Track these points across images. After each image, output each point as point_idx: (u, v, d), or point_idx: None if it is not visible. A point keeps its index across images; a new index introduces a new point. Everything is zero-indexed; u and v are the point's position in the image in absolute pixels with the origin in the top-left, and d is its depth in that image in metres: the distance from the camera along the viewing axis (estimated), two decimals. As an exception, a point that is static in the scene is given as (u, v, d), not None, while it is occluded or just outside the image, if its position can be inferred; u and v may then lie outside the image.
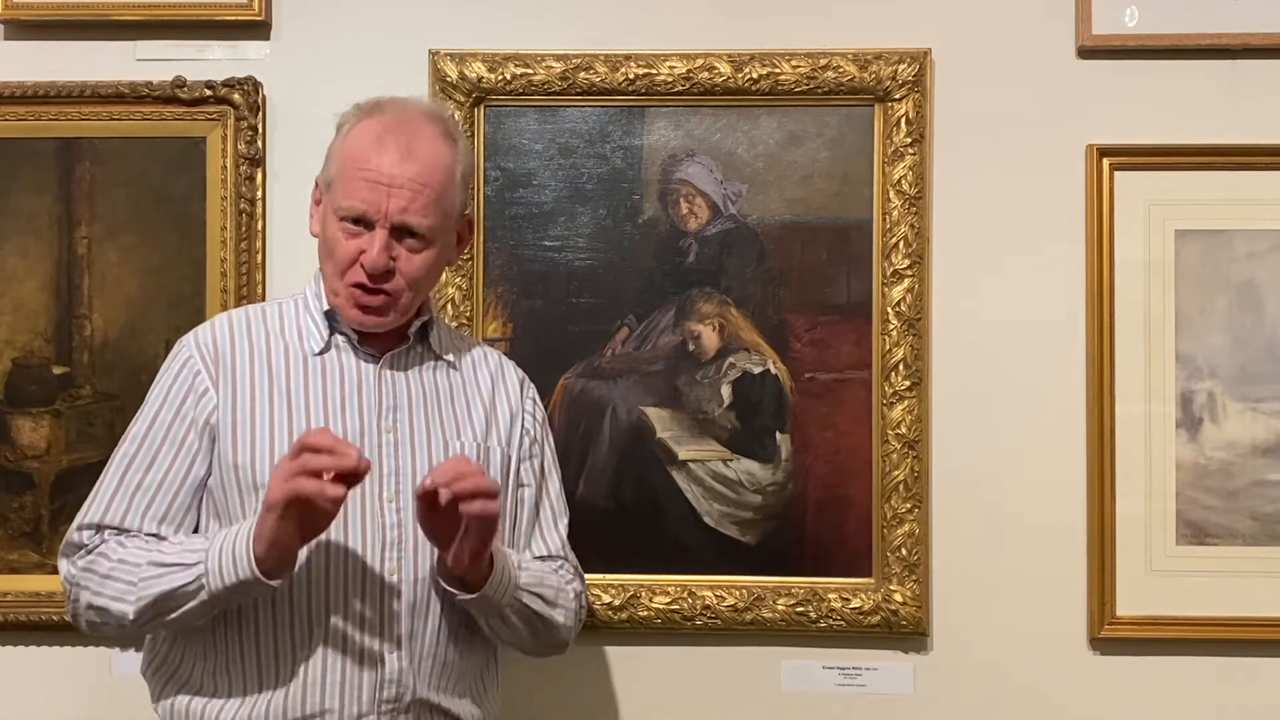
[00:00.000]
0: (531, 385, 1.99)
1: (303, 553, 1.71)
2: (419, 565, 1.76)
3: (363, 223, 1.76)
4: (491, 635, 1.83)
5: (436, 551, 1.73)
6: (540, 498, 1.94)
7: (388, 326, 1.83)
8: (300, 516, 1.62)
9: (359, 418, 1.80)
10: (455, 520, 1.67)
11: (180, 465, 1.77)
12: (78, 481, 2.29)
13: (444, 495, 1.64)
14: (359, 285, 1.77)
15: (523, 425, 1.93)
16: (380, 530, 1.76)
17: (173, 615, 1.69)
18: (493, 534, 1.70)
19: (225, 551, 1.66)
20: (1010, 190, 2.30)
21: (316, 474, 1.60)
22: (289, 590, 1.72)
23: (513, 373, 1.97)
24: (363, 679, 1.74)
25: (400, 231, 1.77)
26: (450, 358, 1.90)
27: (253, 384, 1.79)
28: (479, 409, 1.89)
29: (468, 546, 1.68)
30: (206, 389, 1.78)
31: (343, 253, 1.77)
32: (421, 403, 1.84)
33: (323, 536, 1.71)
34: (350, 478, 1.62)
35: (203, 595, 1.67)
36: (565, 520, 1.97)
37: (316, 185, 1.86)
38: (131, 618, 1.70)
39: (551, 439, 2.01)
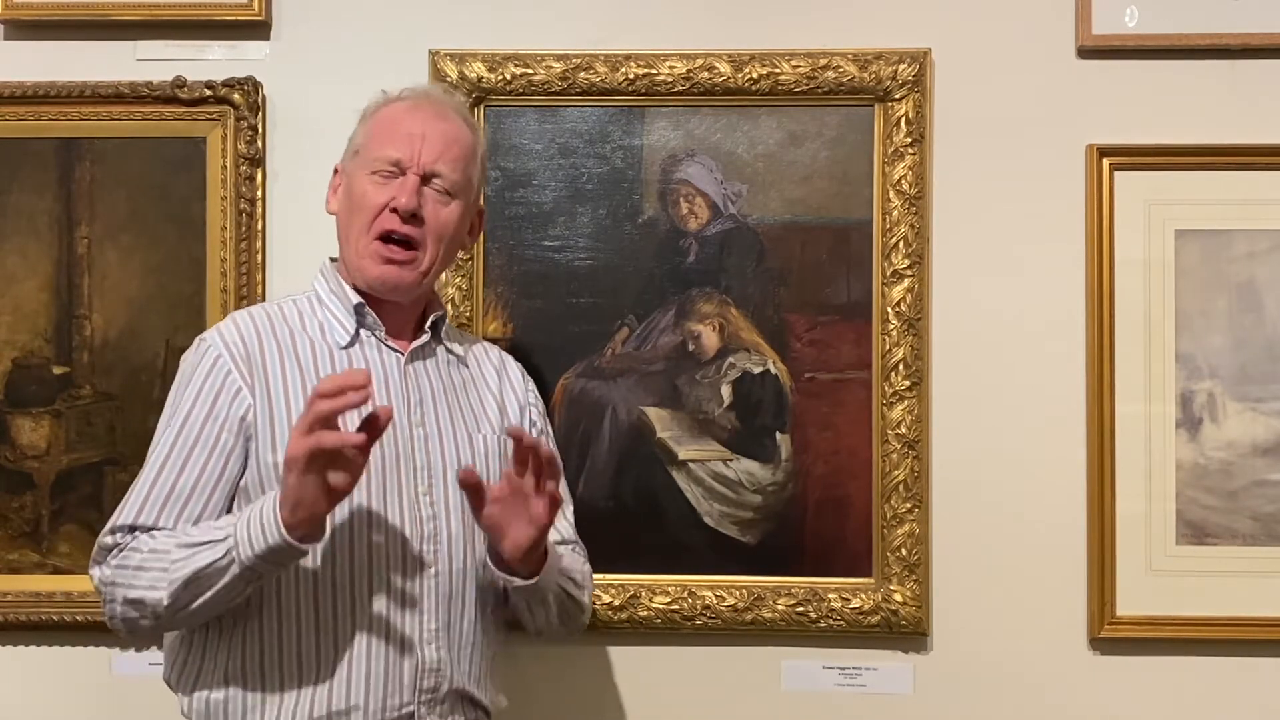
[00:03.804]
0: (530, 379, 2.03)
1: (340, 546, 1.73)
2: (454, 557, 1.79)
3: (396, 174, 1.82)
4: (525, 620, 1.88)
5: (485, 544, 1.79)
6: None
7: (409, 288, 1.84)
8: (323, 473, 1.60)
9: None
10: (514, 506, 1.72)
11: (214, 467, 1.76)
12: (78, 481, 2.30)
13: (524, 443, 1.71)
14: (387, 235, 1.81)
15: (530, 416, 1.98)
16: (417, 524, 1.78)
17: (206, 595, 1.66)
18: (549, 526, 1.74)
19: (253, 520, 1.64)
20: (1010, 190, 2.30)
21: (335, 425, 1.59)
22: (328, 583, 1.73)
23: (514, 366, 2.01)
24: (403, 669, 1.75)
25: (429, 181, 1.82)
26: (459, 352, 1.94)
27: (285, 381, 1.79)
28: (491, 402, 1.93)
29: (531, 532, 1.72)
30: (240, 388, 1.77)
31: (372, 201, 1.81)
32: (443, 396, 1.87)
33: (362, 535, 1.74)
34: (372, 429, 1.62)
35: (234, 569, 1.64)
36: (570, 509, 2.02)
37: (336, 171, 1.91)
38: (166, 603, 1.67)
39: (551, 430, 2.07)
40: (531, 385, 2.02)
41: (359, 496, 1.74)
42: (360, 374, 1.60)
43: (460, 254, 2.25)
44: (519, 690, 2.13)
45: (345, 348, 1.84)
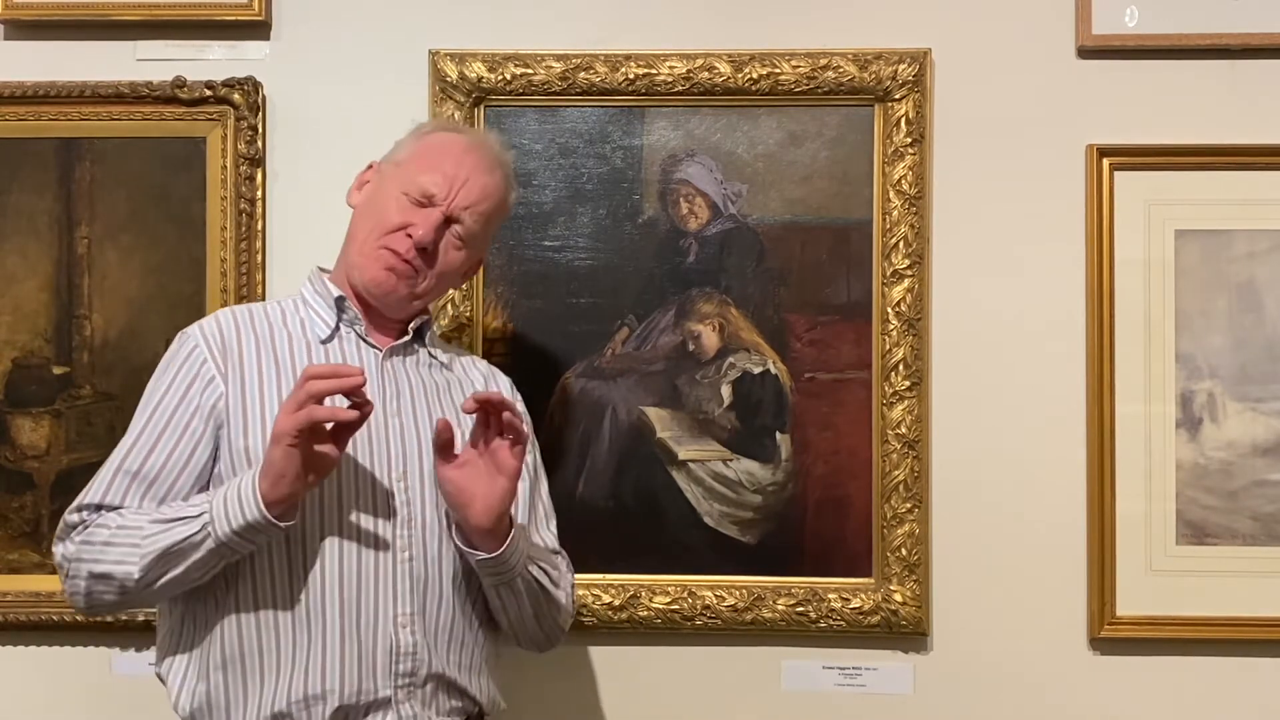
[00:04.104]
0: (519, 393, 2.02)
1: (311, 529, 1.74)
2: (428, 543, 1.80)
3: (424, 205, 1.84)
4: (497, 611, 1.86)
5: (453, 521, 1.79)
6: (534, 496, 1.96)
7: (400, 302, 1.86)
8: (307, 452, 1.64)
9: None
10: (479, 468, 1.74)
11: (182, 451, 1.77)
12: (78, 481, 2.27)
13: (470, 407, 1.74)
14: (393, 250, 1.83)
15: None
16: (389, 508, 1.79)
17: (177, 570, 1.69)
18: (519, 471, 1.76)
19: (230, 497, 1.67)
20: (1010, 190, 2.30)
21: (323, 402, 1.64)
22: (300, 568, 1.74)
23: (502, 377, 2.02)
24: (376, 654, 1.76)
25: (450, 224, 1.85)
26: (444, 359, 1.95)
27: (260, 370, 1.81)
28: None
29: (502, 482, 1.73)
30: (213, 377, 1.79)
31: (392, 219, 1.84)
32: (422, 392, 1.88)
33: (333, 519, 1.75)
34: (357, 418, 1.67)
35: (208, 544, 1.67)
36: (554, 522, 2.00)
37: (370, 166, 1.93)
38: (136, 577, 1.69)
39: (537, 444, 2.04)
40: (519, 399, 2.00)
41: (331, 480, 1.75)
42: (352, 368, 1.68)
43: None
44: (517, 690, 2.13)
45: (324, 342, 1.85)
